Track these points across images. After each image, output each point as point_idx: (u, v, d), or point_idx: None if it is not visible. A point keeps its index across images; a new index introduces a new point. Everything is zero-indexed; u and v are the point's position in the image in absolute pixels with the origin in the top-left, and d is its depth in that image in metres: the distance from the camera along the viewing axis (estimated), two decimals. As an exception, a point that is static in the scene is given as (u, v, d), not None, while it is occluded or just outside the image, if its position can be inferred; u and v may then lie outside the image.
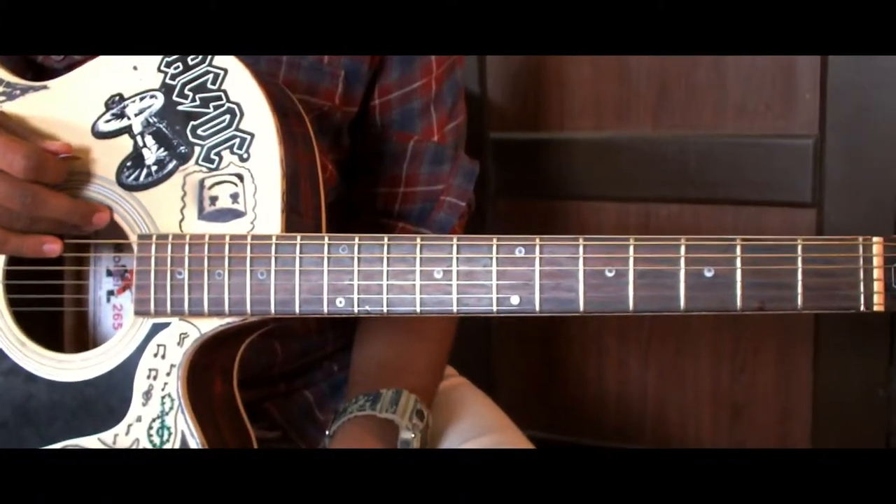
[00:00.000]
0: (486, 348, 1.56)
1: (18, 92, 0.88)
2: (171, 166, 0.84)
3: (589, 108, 1.42)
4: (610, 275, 0.75)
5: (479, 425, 1.01)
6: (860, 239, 0.73)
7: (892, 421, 1.31)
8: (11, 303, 0.87)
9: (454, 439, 0.99)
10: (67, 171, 0.82)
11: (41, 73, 0.91)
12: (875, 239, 0.73)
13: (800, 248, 0.73)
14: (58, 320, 0.93)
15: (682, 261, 0.75)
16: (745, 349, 1.40)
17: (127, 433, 0.84)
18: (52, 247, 0.82)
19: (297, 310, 0.80)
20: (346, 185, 1.04)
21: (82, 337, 0.93)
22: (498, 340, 1.55)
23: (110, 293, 0.94)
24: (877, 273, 0.73)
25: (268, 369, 1.02)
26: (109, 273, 0.93)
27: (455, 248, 0.78)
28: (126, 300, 0.93)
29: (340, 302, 0.79)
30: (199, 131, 0.83)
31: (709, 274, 0.74)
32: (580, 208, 1.43)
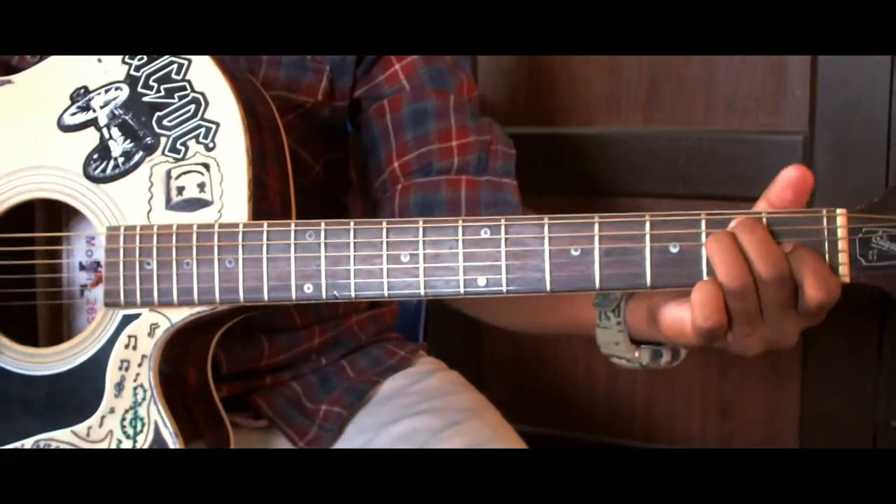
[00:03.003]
0: (476, 343, 1.55)
1: (-17, 87, 0.88)
2: (137, 157, 0.84)
3: (580, 103, 1.42)
4: (576, 253, 0.75)
5: (469, 419, 0.99)
6: (824, 211, 0.73)
7: (881, 417, 1.31)
8: None
9: (445, 433, 0.97)
10: None
11: (13, 72, 0.91)
12: (839, 210, 0.73)
13: (765, 220, 0.73)
14: (32, 315, 0.93)
15: (648, 237, 0.74)
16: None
17: (100, 425, 0.84)
18: None
19: (266, 297, 0.80)
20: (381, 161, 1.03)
21: (57, 332, 0.93)
22: (488, 335, 1.55)
23: (83, 287, 0.94)
24: (841, 244, 0.73)
25: (254, 363, 1.01)
26: (83, 267, 0.93)
27: (421, 230, 0.77)
28: (100, 294, 0.93)
29: (308, 288, 0.79)
30: (164, 122, 0.83)
31: (674, 250, 0.74)
32: (570, 203, 1.39)
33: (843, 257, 0.73)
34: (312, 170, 0.99)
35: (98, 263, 0.93)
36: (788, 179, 0.73)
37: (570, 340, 1.47)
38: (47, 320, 0.94)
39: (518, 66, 1.44)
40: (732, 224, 0.73)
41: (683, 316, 0.76)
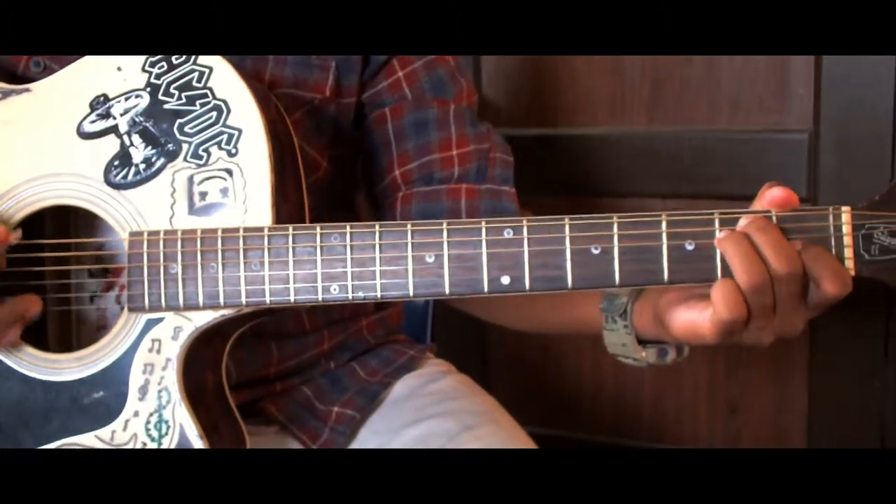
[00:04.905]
0: (481, 344, 1.55)
1: (0, 95, 0.88)
2: (159, 164, 0.85)
3: (583, 103, 1.42)
4: (596, 252, 0.78)
5: (483, 423, 1.01)
6: (830, 209, 0.77)
7: (888, 412, 1.32)
8: None
9: (461, 437, 0.98)
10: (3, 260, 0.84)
11: (20, 81, 0.91)
12: (844, 208, 0.77)
13: (774, 218, 0.77)
14: (42, 322, 0.93)
15: (664, 236, 0.78)
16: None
17: (124, 429, 0.85)
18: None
19: (292, 299, 0.82)
20: (380, 168, 1.05)
21: (66, 338, 0.94)
22: (493, 336, 1.55)
23: (93, 293, 0.94)
24: (846, 240, 0.77)
25: (263, 369, 1.02)
26: (91, 274, 0.94)
27: (445, 232, 0.80)
28: (109, 301, 0.94)
29: (335, 289, 0.81)
30: (186, 128, 0.85)
31: (690, 247, 0.78)
32: (575, 204, 1.40)
33: (848, 252, 0.77)
34: (320, 166, 1.01)
35: (107, 270, 0.94)
36: (773, 199, 0.77)
37: (576, 341, 1.47)
38: (56, 326, 0.94)
39: (521, 67, 1.45)
40: (743, 223, 0.77)
41: (696, 318, 0.80)
